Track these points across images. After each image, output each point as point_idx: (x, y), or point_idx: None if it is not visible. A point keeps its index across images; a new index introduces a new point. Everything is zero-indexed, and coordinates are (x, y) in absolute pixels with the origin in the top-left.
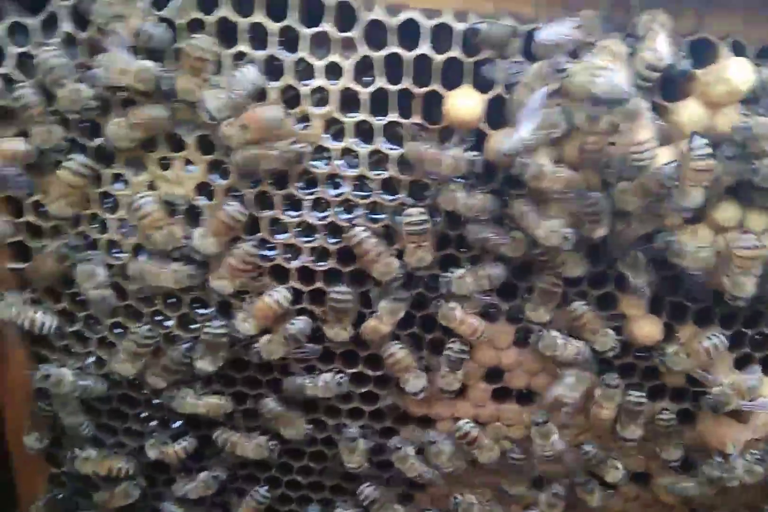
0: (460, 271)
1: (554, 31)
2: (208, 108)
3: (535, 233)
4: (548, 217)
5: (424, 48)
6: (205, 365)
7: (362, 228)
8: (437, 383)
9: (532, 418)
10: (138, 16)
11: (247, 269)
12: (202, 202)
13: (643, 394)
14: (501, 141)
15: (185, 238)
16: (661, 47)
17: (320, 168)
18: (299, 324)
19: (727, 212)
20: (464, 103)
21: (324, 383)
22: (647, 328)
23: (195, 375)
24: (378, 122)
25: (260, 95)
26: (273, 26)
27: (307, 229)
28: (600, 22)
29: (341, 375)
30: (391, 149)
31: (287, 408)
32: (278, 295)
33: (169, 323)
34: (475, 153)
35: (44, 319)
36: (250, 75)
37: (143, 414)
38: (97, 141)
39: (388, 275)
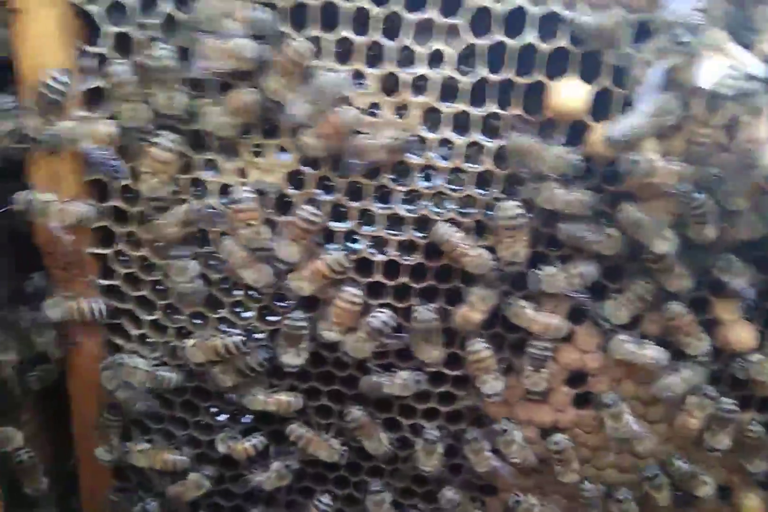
0: (550, 269)
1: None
2: (294, 115)
3: (649, 242)
4: (662, 225)
5: (531, 37)
6: (290, 359)
7: (446, 223)
8: (523, 384)
9: (601, 400)
10: (242, 7)
11: (330, 277)
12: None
13: (736, 402)
14: (609, 127)
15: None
16: None
17: (414, 159)
18: (381, 316)
19: None
20: (570, 94)
21: (402, 381)
22: (742, 334)
23: (268, 377)
24: (476, 113)
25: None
26: (377, 11)
27: (395, 222)
28: (726, 13)
29: (419, 372)
30: (488, 141)
31: (373, 420)
32: (348, 295)
33: (249, 314)
34: (579, 157)
35: (92, 306)
36: (332, 81)
37: (214, 408)
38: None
39: (481, 267)
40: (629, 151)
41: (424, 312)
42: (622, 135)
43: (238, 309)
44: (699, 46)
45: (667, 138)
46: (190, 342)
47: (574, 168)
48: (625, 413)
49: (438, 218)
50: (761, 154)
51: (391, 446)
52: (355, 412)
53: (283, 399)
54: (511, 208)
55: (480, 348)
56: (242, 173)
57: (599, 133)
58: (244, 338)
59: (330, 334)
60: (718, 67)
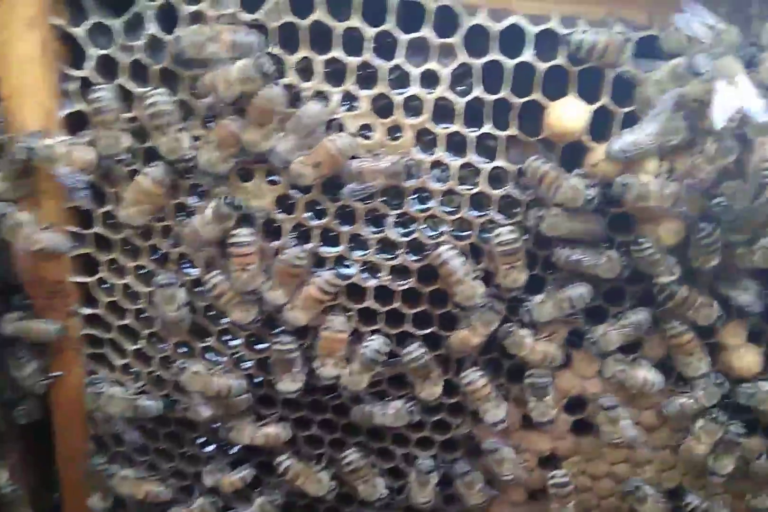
0: (539, 297)
1: (692, 23)
2: (279, 153)
3: (655, 273)
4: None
5: (527, 55)
6: (286, 386)
7: (448, 246)
8: (531, 416)
9: (599, 403)
10: (228, 30)
11: (324, 299)
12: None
13: (744, 426)
14: (610, 142)
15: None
16: None
17: (407, 181)
18: (373, 344)
19: None
20: (568, 114)
21: (394, 410)
22: (747, 359)
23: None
24: (471, 134)
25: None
26: (370, 31)
27: (387, 246)
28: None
29: (412, 402)
30: (483, 163)
31: (370, 464)
32: (335, 323)
33: (236, 342)
34: (594, 192)
35: (42, 327)
36: (313, 112)
37: (201, 439)
38: None
39: (471, 300)
40: (630, 168)
41: (414, 351)
42: (622, 150)
43: (225, 338)
44: (713, 75)
45: (671, 158)
46: (192, 368)
47: (589, 202)
48: (622, 418)
49: (431, 241)
50: None
51: (386, 491)
52: (353, 455)
53: (271, 432)
54: (505, 233)
55: (475, 378)
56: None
57: (599, 153)
58: (245, 382)
59: (326, 370)
60: (729, 103)
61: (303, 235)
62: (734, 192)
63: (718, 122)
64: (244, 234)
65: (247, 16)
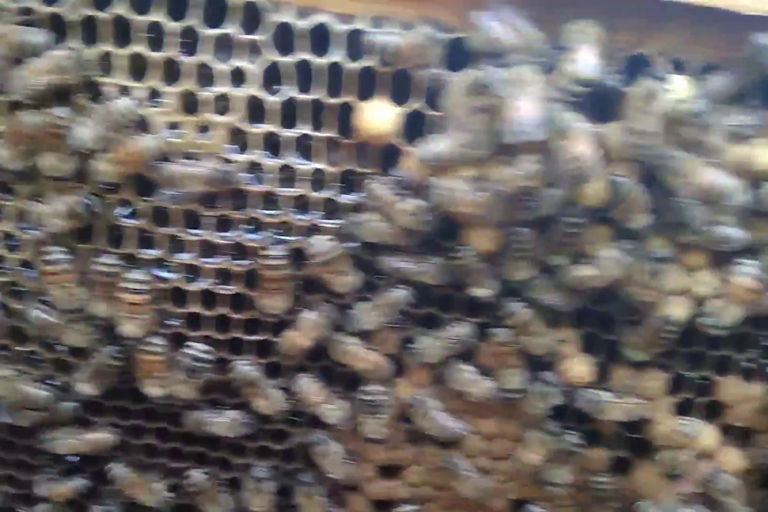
0: (363, 305)
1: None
2: (76, 138)
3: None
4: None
5: (337, 55)
6: (85, 388)
7: (283, 248)
8: (361, 432)
9: (407, 402)
10: (14, 30)
11: (142, 301)
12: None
13: (580, 436)
14: (420, 147)
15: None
16: (584, 59)
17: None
18: (192, 352)
19: None
20: (378, 116)
21: (229, 421)
22: (578, 368)
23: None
24: (287, 134)
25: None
26: (173, 26)
27: (210, 249)
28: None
29: (248, 414)
30: (302, 164)
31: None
32: (149, 345)
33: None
34: (431, 215)
35: None
36: (121, 107)
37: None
38: None
39: (272, 309)
40: (443, 172)
41: (240, 368)
42: (425, 156)
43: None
44: (505, 89)
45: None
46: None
47: (427, 225)
48: (433, 409)
49: (254, 245)
50: (589, 170)
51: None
52: (197, 476)
53: (94, 439)
54: (322, 242)
55: (305, 382)
56: (38, 196)
57: (414, 157)
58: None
59: (153, 391)
60: (521, 114)
61: (118, 238)
62: (546, 197)
63: (512, 134)
64: (56, 251)
65: (45, 9)
